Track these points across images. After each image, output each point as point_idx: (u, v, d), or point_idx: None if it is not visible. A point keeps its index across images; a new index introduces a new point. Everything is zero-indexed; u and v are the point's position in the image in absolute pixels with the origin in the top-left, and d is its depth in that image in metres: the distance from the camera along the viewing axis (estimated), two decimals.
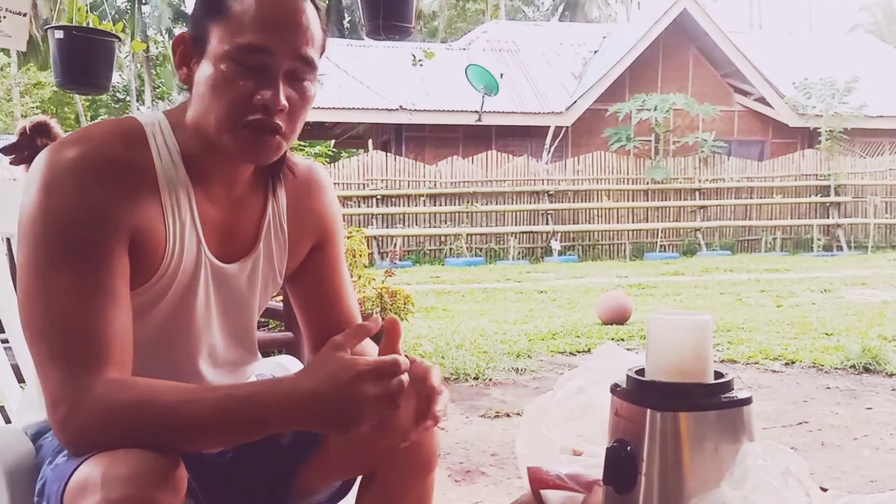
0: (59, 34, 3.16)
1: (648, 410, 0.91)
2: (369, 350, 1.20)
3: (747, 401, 0.92)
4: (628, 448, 0.92)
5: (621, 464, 0.92)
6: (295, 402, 0.89)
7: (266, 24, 0.99)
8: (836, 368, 4.16)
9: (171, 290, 1.07)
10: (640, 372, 0.97)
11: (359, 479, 1.23)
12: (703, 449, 0.90)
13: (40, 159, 0.99)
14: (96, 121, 1.16)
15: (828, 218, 15.20)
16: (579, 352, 4.79)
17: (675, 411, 0.90)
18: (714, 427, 0.90)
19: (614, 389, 0.98)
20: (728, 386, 0.93)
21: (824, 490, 0.96)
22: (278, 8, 1.01)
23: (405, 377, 0.91)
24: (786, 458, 0.89)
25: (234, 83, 0.99)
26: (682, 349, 0.93)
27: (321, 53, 1.07)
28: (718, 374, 0.95)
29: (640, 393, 0.94)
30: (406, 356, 0.96)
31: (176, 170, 1.05)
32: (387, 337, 1.03)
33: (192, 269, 1.08)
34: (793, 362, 4.36)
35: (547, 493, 1.07)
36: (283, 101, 1.00)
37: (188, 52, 1.04)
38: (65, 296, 0.94)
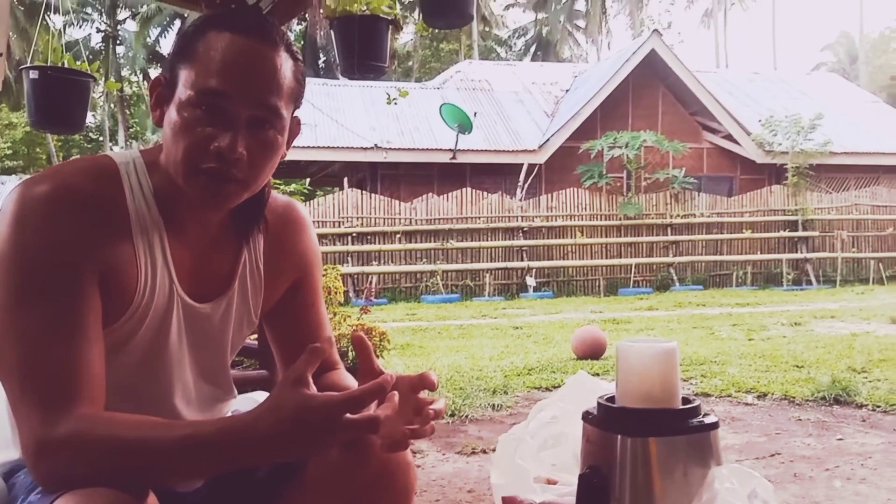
0: (34, 74, 3.17)
1: (619, 436, 0.94)
2: (346, 381, 1.21)
3: (714, 425, 0.95)
4: (600, 474, 0.94)
5: (594, 490, 0.94)
6: (258, 443, 0.87)
7: (228, 70, 0.98)
8: (808, 400, 4.21)
9: (142, 328, 1.06)
10: (611, 399, 0.99)
11: None
12: (673, 473, 0.92)
13: (11, 194, 0.99)
14: (68, 159, 1.15)
15: (796, 252, 15.45)
16: (555, 387, 4.79)
17: (645, 436, 0.92)
18: (683, 451, 0.93)
19: (586, 417, 1.00)
20: (696, 411, 0.96)
21: None
22: (242, 54, 1.00)
23: (373, 407, 0.90)
24: (752, 482, 0.92)
25: (192, 129, 0.99)
26: (651, 376, 0.96)
27: (295, 103, 1.07)
28: (686, 400, 0.97)
29: (610, 420, 0.96)
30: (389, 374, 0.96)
31: (148, 209, 1.05)
32: (359, 356, 1.03)
33: (164, 307, 1.08)
34: (765, 395, 4.40)
35: None
36: (241, 150, 0.99)
37: (162, 94, 1.04)
38: (36, 333, 0.94)
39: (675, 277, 14.68)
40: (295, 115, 1.10)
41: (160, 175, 1.06)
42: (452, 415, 4.00)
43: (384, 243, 13.99)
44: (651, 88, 17.12)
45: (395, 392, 0.92)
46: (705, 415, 0.97)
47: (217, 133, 0.98)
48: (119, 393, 1.02)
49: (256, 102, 1.00)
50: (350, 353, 4.67)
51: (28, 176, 1.02)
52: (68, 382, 0.93)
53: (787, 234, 15.51)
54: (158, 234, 1.06)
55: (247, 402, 1.51)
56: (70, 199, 0.98)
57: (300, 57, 1.09)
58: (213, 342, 1.17)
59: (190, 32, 1.04)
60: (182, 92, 1.00)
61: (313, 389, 0.88)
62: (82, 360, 0.95)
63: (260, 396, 1.58)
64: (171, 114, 1.01)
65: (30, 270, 0.95)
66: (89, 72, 3.40)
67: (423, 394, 1.02)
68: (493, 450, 3.17)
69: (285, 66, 1.03)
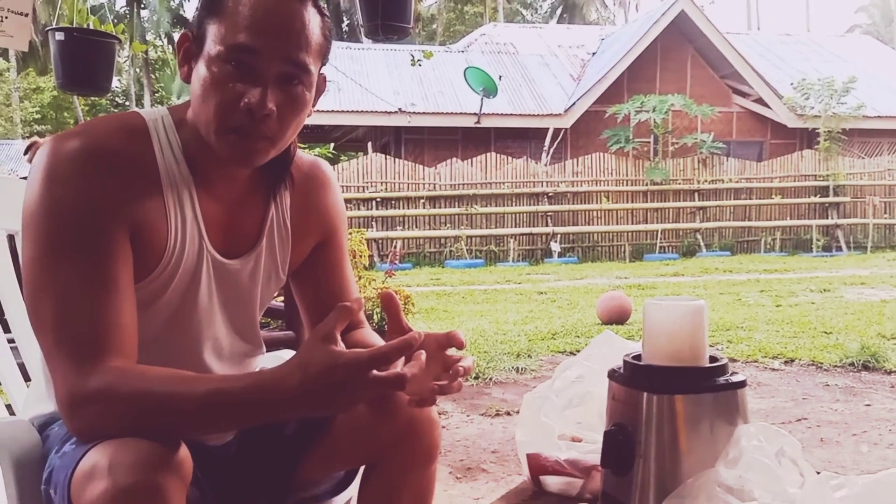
0: (60, 36, 3.17)
1: (645, 394, 0.93)
2: (372, 339, 1.22)
3: (742, 384, 0.94)
4: (626, 431, 0.94)
5: (619, 447, 0.94)
6: (286, 399, 0.88)
7: (257, 26, 0.98)
8: (835, 366, 4.17)
9: (173, 284, 1.07)
10: (637, 357, 0.99)
11: (361, 469, 1.25)
12: (699, 430, 0.91)
13: (43, 151, 1.00)
14: (99, 116, 1.15)
15: (827, 218, 15.21)
16: (579, 351, 4.79)
17: (671, 394, 0.92)
18: (709, 409, 0.92)
19: (612, 374, 1.00)
20: (723, 369, 0.95)
21: (818, 473, 0.98)
22: (272, 9, 0.99)
23: (400, 364, 0.90)
24: (780, 440, 0.91)
25: (222, 84, 0.98)
26: (678, 334, 0.94)
27: (322, 59, 1.06)
28: (713, 359, 0.96)
29: (636, 377, 0.95)
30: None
31: (178, 166, 1.06)
32: (387, 313, 1.03)
33: (194, 263, 1.09)
34: (792, 360, 4.37)
35: (546, 479, 1.09)
36: (270, 106, 0.98)
37: (190, 50, 1.04)
38: (68, 286, 0.95)
39: (701, 243, 14.54)
40: (321, 71, 1.09)
41: (188, 132, 1.06)
42: (477, 377, 4.03)
43: (408, 208, 13.99)
44: (680, 51, 16.80)
45: (423, 350, 0.92)
46: (733, 373, 0.97)
47: (246, 89, 0.98)
48: (150, 347, 1.03)
49: (286, 58, 0.99)
50: (375, 316, 4.70)
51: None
52: (100, 335, 0.94)
53: (817, 199, 15.26)
54: (188, 190, 1.07)
55: (273, 360, 1.53)
56: (101, 156, 0.99)
57: (327, 13, 1.08)
58: (242, 298, 1.18)
59: None
60: (211, 47, 0.99)
61: (341, 346, 0.88)
62: (114, 314, 0.96)
63: (286, 355, 1.59)
64: (200, 69, 1.01)
65: (62, 225, 0.96)
66: (114, 34, 3.40)
67: (451, 352, 1.02)
68: (517, 412, 3.19)
69: (314, 21, 1.02)
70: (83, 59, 3.20)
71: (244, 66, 0.98)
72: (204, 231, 1.09)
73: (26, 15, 2.46)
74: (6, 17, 2.40)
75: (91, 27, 3.41)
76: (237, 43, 0.97)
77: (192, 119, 1.05)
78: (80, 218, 0.96)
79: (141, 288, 1.04)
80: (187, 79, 1.05)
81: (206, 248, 1.10)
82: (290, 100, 1.01)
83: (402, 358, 0.91)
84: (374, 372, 0.87)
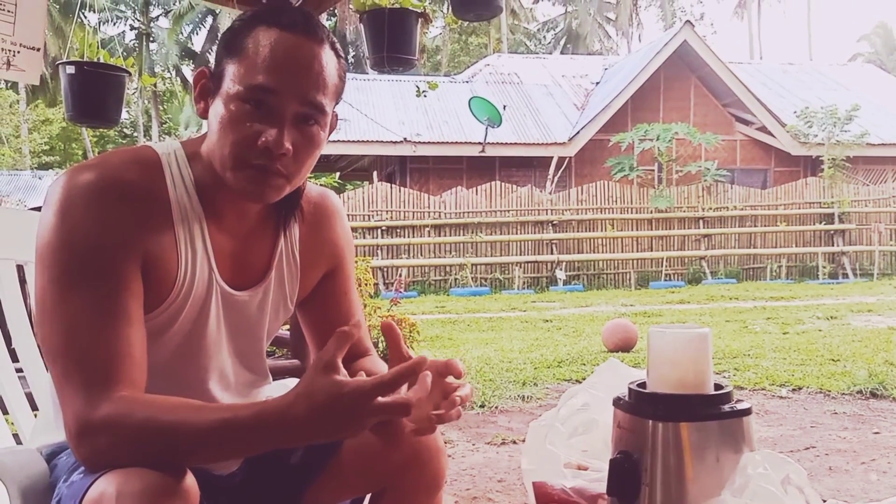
0: (71, 69, 3.22)
1: (650, 421, 0.93)
2: (377, 367, 1.22)
3: (747, 411, 0.94)
4: (631, 459, 0.94)
5: (625, 475, 0.94)
6: (292, 428, 0.88)
7: (276, 67, 1.00)
8: (843, 394, 4.15)
9: (182, 315, 1.08)
10: (642, 385, 0.99)
11: (367, 498, 1.25)
12: (705, 458, 0.91)
13: (57, 183, 1.02)
14: (113, 149, 1.17)
15: (832, 245, 15.18)
16: (585, 379, 4.77)
17: (677, 422, 0.92)
18: (715, 437, 0.92)
19: (617, 402, 1.00)
20: (728, 397, 0.95)
21: (824, 501, 0.98)
22: (290, 51, 1.01)
23: (404, 390, 0.91)
24: (785, 467, 0.91)
25: (240, 123, 1.01)
26: (683, 361, 0.95)
27: (337, 99, 1.08)
28: (718, 386, 0.97)
29: (642, 405, 0.96)
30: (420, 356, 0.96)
31: (189, 199, 1.07)
32: (388, 342, 1.04)
33: (203, 295, 1.10)
34: (799, 388, 4.35)
35: None
36: (287, 145, 1.01)
37: (207, 86, 1.07)
38: (80, 316, 0.96)
39: (707, 271, 14.51)
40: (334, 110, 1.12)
41: (201, 166, 1.08)
42: (482, 406, 4.02)
43: (413, 236, 14.02)
44: (683, 80, 16.93)
45: (428, 372, 0.93)
46: (738, 401, 0.97)
47: (264, 128, 1.00)
48: (158, 376, 1.04)
49: (303, 99, 1.02)
50: (381, 344, 4.70)
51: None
52: (110, 365, 0.95)
53: (822, 226, 15.24)
54: (199, 223, 1.08)
55: (279, 388, 1.53)
56: (115, 188, 1.00)
57: (343, 54, 1.10)
58: (250, 329, 1.19)
59: (237, 27, 1.05)
60: (230, 86, 1.02)
61: (344, 374, 0.89)
62: (124, 343, 0.97)
63: (292, 383, 1.59)
64: (218, 107, 1.03)
65: (75, 255, 0.98)
66: (124, 66, 3.45)
67: (449, 380, 1.02)
68: (523, 440, 3.17)
69: (331, 63, 1.05)
70: (93, 91, 3.24)
71: (263, 105, 1.01)
72: (214, 263, 1.10)
73: (38, 49, 2.50)
74: (18, 52, 2.44)
75: (101, 60, 3.46)
76: (256, 84, 1.00)
77: (206, 154, 1.07)
78: (93, 248, 0.98)
79: (150, 319, 1.05)
80: (204, 114, 1.07)
81: (216, 280, 1.11)
82: (305, 139, 1.04)
83: (406, 384, 0.92)
84: (379, 398, 0.87)
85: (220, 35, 1.05)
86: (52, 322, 0.97)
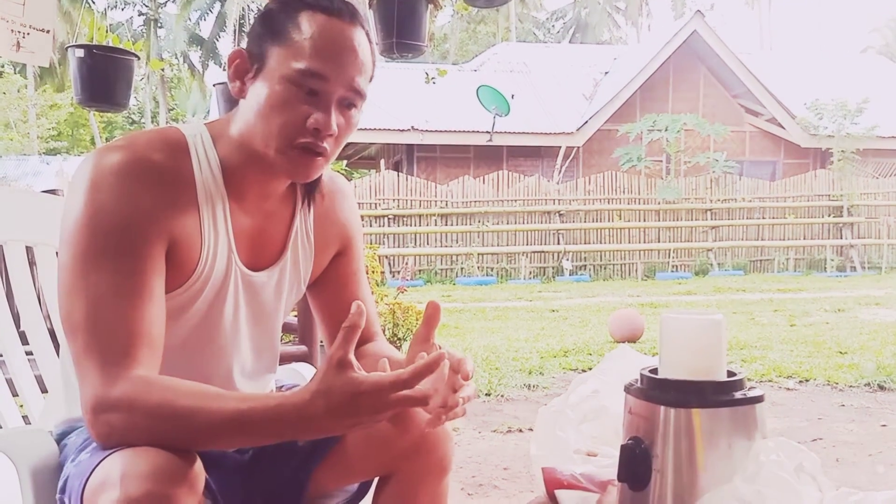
0: (80, 53, 3.22)
1: (662, 408, 0.93)
2: (387, 352, 1.22)
3: (759, 398, 0.93)
4: (642, 445, 0.94)
5: (635, 461, 0.93)
6: (309, 425, 0.89)
7: (325, 53, 1.03)
8: (851, 386, 4.14)
9: (201, 296, 1.10)
10: (654, 371, 0.98)
11: (374, 482, 1.25)
12: (717, 445, 0.91)
13: (86, 162, 1.03)
14: (140, 130, 1.20)
15: (841, 238, 15.11)
16: (591, 369, 4.77)
17: (689, 408, 0.91)
18: (727, 424, 0.92)
19: (628, 388, 0.99)
20: (741, 384, 0.94)
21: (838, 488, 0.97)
22: (338, 38, 1.05)
23: (426, 383, 0.90)
24: (799, 455, 0.90)
25: (289, 105, 1.03)
26: (696, 347, 0.95)
27: (370, 83, 1.12)
28: (731, 373, 0.96)
29: (653, 391, 0.95)
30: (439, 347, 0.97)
31: (214, 181, 1.09)
32: (424, 322, 1.07)
33: (222, 276, 1.11)
34: (807, 380, 4.34)
35: (561, 494, 1.08)
36: (334, 127, 1.05)
37: (243, 66, 1.08)
38: (103, 293, 0.97)
39: (714, 262, 14.47)
40: None
41: (226, 148, 1.10)
42: (488, 394, 4.02)
43: (420, 225, 14.01)
44: (692, 71, 16.83)
45: (447, 362, 0.93)
46: (751, 388, 0.96)
47: (311, 111, 1.04)
48: (175, 356, 1.05)
49: (349, 86, 1.06)
50: (387, 332, 4.70)
51: (102, 146, 1.05)
52: (130, 343, 0.96)
53: (831, 219, 15.17)
54: (223, 205, 1.10)
55: (289, 372, 1.54)
56: (143, 169, 1.02)
57: (371, 38, 1.13)
58: (265, 309, 1.20)
59: (278, 10, 1.07)
60: (276, 68, 1.04)
61: (359, 370, 0.89)
62: (145, 323, 0.98)
63: (301, 367, 1.60)
64: (261, 88, 1.04)
65: (101, 232, 0.98)
66: (133, 51, 3.44)
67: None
68: (529, 429, 3.18)
69: (368, 48, 1.09)
70: (102, 75, 3.24)
71: (310, 88, 1.03)
72: (234, 245, 1.12)
73: (48, 31, 2.50)
74: (28, 34, 2.44)
75: (110, 44, 3.46)
76: (306, 67, 1.03)
77: (238, 134, 1.09)
78: (119, 227, 0.99)
79: (170, 299, 1.06)
80: (240, 94, 1.09)
81: (235, 261, 1.12)
82: (346, 122, 1.08)
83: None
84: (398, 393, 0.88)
85: (254, 17, 1.07)
86: (76, 298, 0.98)
